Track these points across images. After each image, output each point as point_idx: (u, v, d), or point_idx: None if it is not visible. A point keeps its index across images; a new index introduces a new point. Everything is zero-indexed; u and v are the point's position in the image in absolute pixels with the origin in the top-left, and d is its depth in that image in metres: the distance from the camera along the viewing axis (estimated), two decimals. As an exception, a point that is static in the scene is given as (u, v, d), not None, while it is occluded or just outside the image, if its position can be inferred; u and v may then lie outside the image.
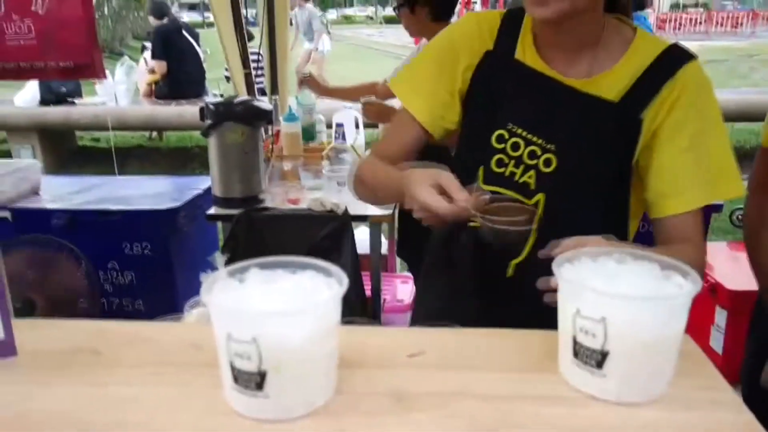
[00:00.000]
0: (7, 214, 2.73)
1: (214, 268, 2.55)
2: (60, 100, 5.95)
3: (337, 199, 2.55)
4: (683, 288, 0.78)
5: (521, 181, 1.20)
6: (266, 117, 2.64)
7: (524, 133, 1.20)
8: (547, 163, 1.18)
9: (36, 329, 0.96)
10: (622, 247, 0.89)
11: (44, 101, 5.93)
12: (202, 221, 2.83)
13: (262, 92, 4.21)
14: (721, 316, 2.76)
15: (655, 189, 1.17)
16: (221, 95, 5.37)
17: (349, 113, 3.29)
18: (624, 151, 1.17)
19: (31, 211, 2.80)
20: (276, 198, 2.69)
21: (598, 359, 0.77)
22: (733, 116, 5.93)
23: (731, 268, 2.92)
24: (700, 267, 1.14)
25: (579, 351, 0.78)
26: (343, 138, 3.27)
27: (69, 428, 0.73)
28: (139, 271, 2.84)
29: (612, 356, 0.76)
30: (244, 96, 3.54)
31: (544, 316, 0.92)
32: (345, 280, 0.77)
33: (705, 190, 1.15)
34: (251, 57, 3.82)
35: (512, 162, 1.20)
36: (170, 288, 2.84)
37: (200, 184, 3.09)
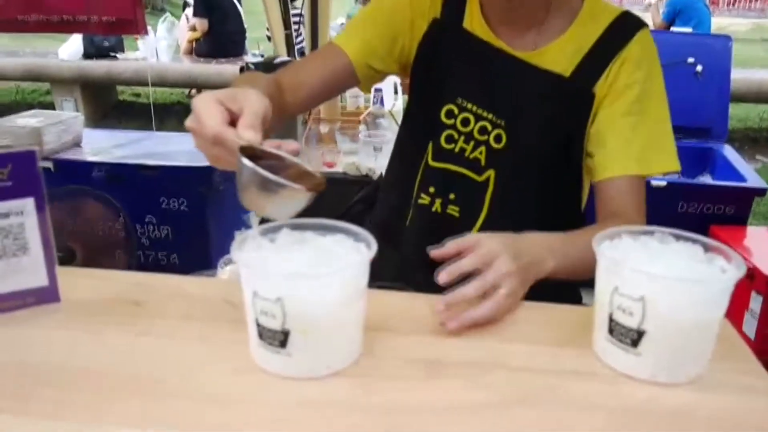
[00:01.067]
0: (50, 164, 2.78)
1: (248, 227, 2.60)
2: (102, 54, 6.01)
3: (373, 164, 2.55)
4: (726, 272, 0.77)
5: (471, 157, 1.18)
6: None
7: (474, 108, 1.17)
8: (498, 138, 1.16)
9: (78, 278, 0.98)
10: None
11: (87, 55, 5.99)
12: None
13: (302, 53, 4.19)
14: (756, 302, 2.71)
15: (592, 152, 1.16)
16: (261, 55, 5.36)
17: (388, 78, 3.26)
18: (576, 127, 1.15)
19: (73, 162, 2.85)
20: (312, 160, 2.71)
21: (633, 338, 0.76)
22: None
23: (770, 254, 2.86)
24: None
25: (615, 328, 0.78)
26: (381, 103, 3.25)
27: (111, 377, 0.75)
28: (175, 226, 2.88)
29: (648, 336, 0.75)
30: (284, 56, 3.53)
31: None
32: (374, 245, 0.77)
33: (639, 158, 1.12)
34: (293, 18, 3.80)
35: (462, 138, 1.18)
36: (204, 244, 2.87)
37: (237, 142, 3.10)
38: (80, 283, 0.96)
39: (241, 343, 0.81)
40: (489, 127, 1.17)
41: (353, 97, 3.32)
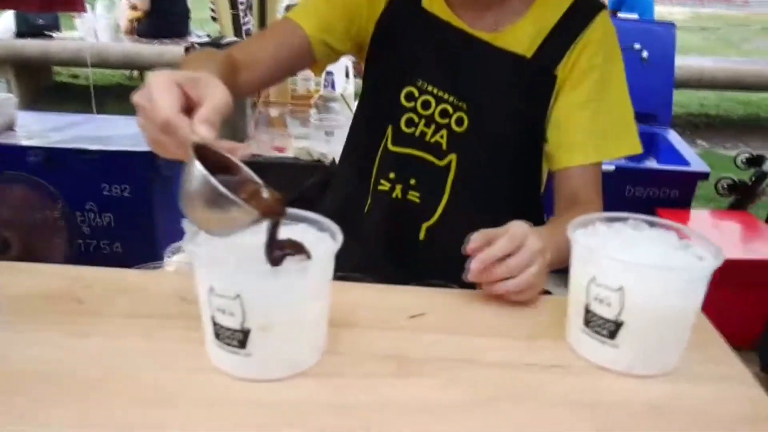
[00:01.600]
0: (-20, 149, 2.63)
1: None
2: (36, 32, 5.73)
3: (325, 149, 2.50)
4: (704, 259, 0.74)
5: (432, 141, 1.15)
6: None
7: (435, 91, 1.14)
8: (459, 122, 1.13)
9: (13, 273, 0.90)
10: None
11: (20, 34, 5.70)
12: (184, 165, 2.75)
13: (250, 35, 4.08)
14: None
15: (552, 140, 1.14)
16: (208, 35, 5.20)
17: (339, 61, 3.19)
18: (537, 109, 1.13)
19: (6, 147, 2.69)
20: (262, 145, 2.63)
21: (611, 329, 0.73)
22: (721, 84, 5.89)
23: (714, 236, 2.92)
24: None
25: (591, 320, 0.75)
26: (333, 87, 3.18)
27: (49, 381, 0.68)
28: (117, 213, 2.76)
29: (626, 327, 0.72)
30: (231, 37, 3.41)
31: (457, 279, 0.88)
32: (339, 236, 0.72)
33: (600, 145, 1.12)
34: (239, -3, 3.69)
35: (423, 121, 1.15)
36: (150, 232, 2.77)
37: (183, 126, 2.99)
38: (15, 278, 0.88)
39: (194, 342, 0.75)
40: (450, 110, 1.13)
41: (304, 80, 3.23)
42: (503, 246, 0.84)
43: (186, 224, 2.14)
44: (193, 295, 0.81)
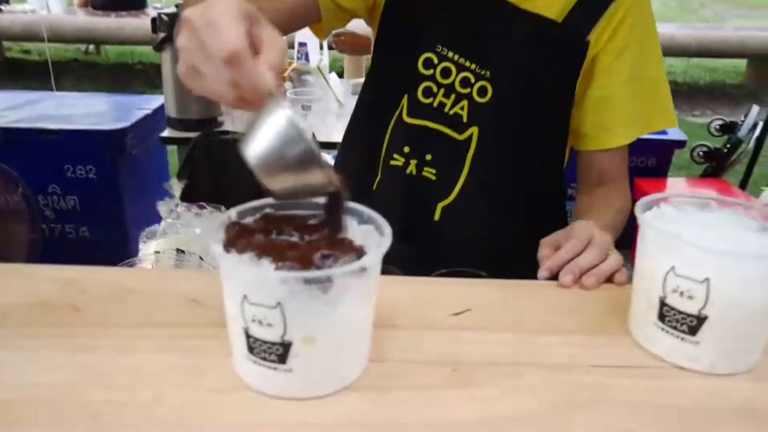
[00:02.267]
0: (-71, 131, 2.44)
1: (170, 196, 2.37)
2: (-17, 5, 5.43)
3: (303, 124, 2.37)
4: (790, 243, 0.67)
5: (452, 112, 1.05)
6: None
7: (456, 57, 1.04)
8: (482, 91, 1.04)
9: (-8, 275, 0.78)
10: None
11: (-35, 6, 5.40)
12: (153, 144, 2.62)
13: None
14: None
15: (592, 121, 1.07)
16: (176, 5, 4.97)
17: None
18: (567, 78, 1.05)
19: (-43, 128, 2.52)
20: (236, 121, 2.50)
21: (692, 324, 0.65)
22: (691, 52, 5.89)
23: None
24: (629, 208, 1.08)
25: (667, 314, 0.67)
26: (306, 59, 3.04)
27: (50, 407, 0.58)
28: (83, 195, 2.61)
29: (710, 322, 0.64)
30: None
31: (475, 264, 0.87)
32: (387, 230, 0.62)
33: (641, 123, 1.07)
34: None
35: (441, 91, 1.05)
36: (119, 215, 2.63)
37: (149, 103, 2.85)
38: (-5, 281, 0.77)
39: (217, 354, 0.65)
40: (472, 79, 1.04)
41: (275, 52, 3.09)
42: (570, 248, 0.85)
43: (161, 207, 1.97)
44: (208, 296, 0.71)
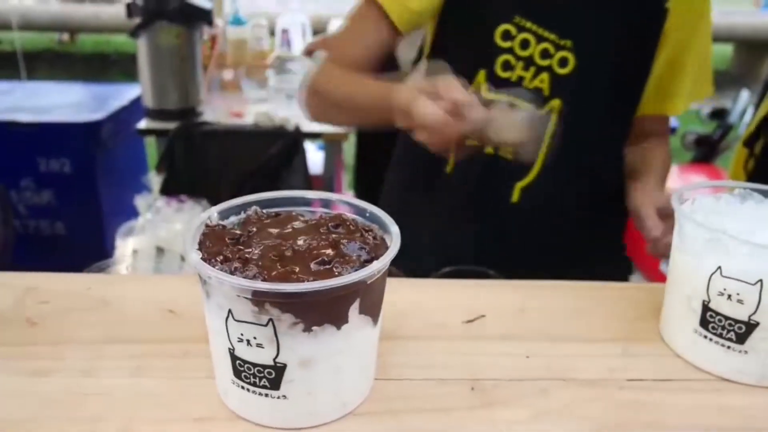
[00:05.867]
0: None
1: (149, 190, 2.27)
2: (-48, -6, 5.25)
3: (287, 113, 2.29)
4: None
5: (532, 86, 0.99)
6: (205, 17, 2.32)
7: (535, 28, 0.98)
8: (563, 62, 0.98)
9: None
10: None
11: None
12: (130, 136, 2.51)
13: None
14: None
15: (657, 86, 1.05)
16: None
17: (295, 17, 2.95)
18: (648, 46, 1.01)
19: (-75, 120, 2.39)
20: (217, 110, 2.41)
21: (740, 332, 0.57)
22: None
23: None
24: (670, 162, 1.11)
25: (711, 320, 0.59)
26: (289, 46, 2.94)
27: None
28: (58, 190, 2.50)
29: (762, 329, 0.56)
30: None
31: (559, 251, 0.86)
32: (394, 229, 0.53)
33: (697, 92, 1.07)
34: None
35: (521, 64, 0.99)
36: (95, 210, 2.52)
37: (125, 94, 2.73)
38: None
39: (199, 376, 0.56)
40: (552, 50, 0.97)
41: (256, 39, 2.97)
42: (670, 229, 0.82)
43: (140, 201, 1.86)
44: (185, 306, 0.62)
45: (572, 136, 0.99)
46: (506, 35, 0.99)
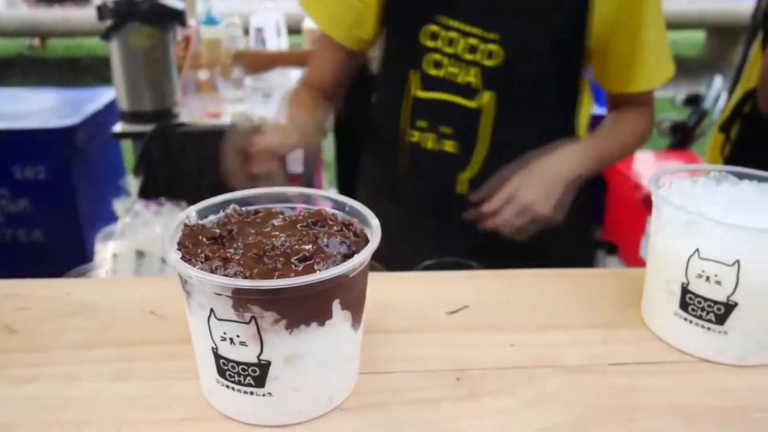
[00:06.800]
0: None
1: (127, 193, 2.24)
2: None
3: (264, 112, 2.28)
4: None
5: (463, 81, 1.02)
6: (178, 17, 2.30)
7: (459, 25, 1.01)
8: (491, 55, 1.00)
9: None
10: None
11: None
12: (106, 140, 2.48)
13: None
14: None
15: (617, 67, 1.06)
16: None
17: (269, 15, 2.93)
18: (576, 27, 1.02)
19: None
20: (193, 112, 2.39)
21: (719, 313, 0.58)
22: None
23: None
24: (650, 129, 1.13)
25: (691, 302, 0.59)
26: (263, 44, 2.93)
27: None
28: (34, 197, 2.46)
29: (740, 309, 0.57)
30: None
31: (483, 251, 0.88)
32: (375, 222, 0.53)
33: (657, 71, 1.07)
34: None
35: (449, 61, 1.02)
36: (73, 216, 2.49)
37: (99, 97, 2.71)
38: None
39: (183, 377, 0.56)
40: (479, 44, 1.00)
41: (230, 38, 2.96)
42: (496, 202, 0.96)
43: (118, 206, 1.84)
44: (166, 307, 0.62)
45: (510, 124, 1.02)
46: (432, 35, 1.02)
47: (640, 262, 2.83)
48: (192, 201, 0.58)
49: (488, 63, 0.99)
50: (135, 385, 0.56)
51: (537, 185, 0.96)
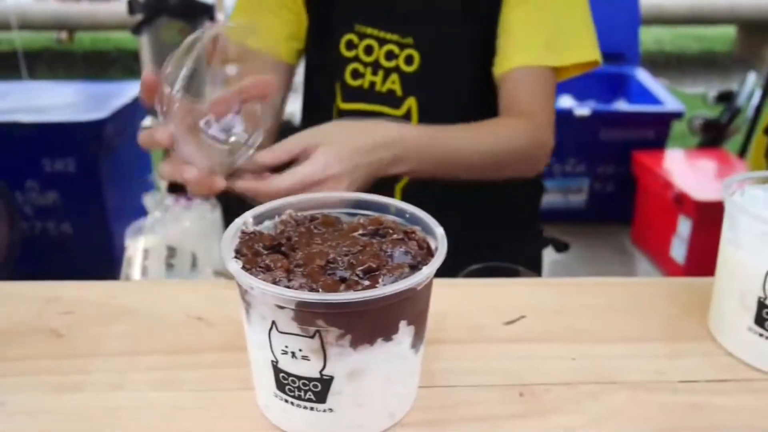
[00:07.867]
0: None
1: (156, 188, 2.24)
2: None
3: (291, 108, 2.25)
4: None
5: (385, 89, 1.00)
6: (207, 12, 2.30)
7: (375, 32, 0.99)
8: (409, 60, 0.99)
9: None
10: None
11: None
12: (134, 134, 2.48)
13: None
14: (684, 226, 2.68)
15: (499, 44, 0.98)
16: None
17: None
18: (490, 19, 0.97)
19: (-75, 122, 2.37)
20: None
21: (799, 329, 0.55)
22: (680, 20, 5.79)
23: (695, 177, 2.86)
24: (525, 146, 0.94)
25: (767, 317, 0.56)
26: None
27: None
28: (63, 191, 2.48)
29: (823, 325, 0.54)
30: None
31: (467, 240, 0.75)
32: (439, 231, 0.51)
33: (548, 45, 0.95)
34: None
35: (369, 69, 1.00)
36: (101, 210, 2.50)
37: (127, 91, 2.71)
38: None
39: (235, 387, 0.54)
40: (396, 50, 0.98)
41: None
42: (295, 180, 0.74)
43: (148, 200, 1.83)
44: (214, 312, 0.60)
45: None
46: (350, 44, 1.00)
47: (670, 263, 2.79)
48: (220, 196, 0.56)
49: (407, 69, 0.98)
50: (183, 396, 0.54)
51: (346, 161, 0.78)
